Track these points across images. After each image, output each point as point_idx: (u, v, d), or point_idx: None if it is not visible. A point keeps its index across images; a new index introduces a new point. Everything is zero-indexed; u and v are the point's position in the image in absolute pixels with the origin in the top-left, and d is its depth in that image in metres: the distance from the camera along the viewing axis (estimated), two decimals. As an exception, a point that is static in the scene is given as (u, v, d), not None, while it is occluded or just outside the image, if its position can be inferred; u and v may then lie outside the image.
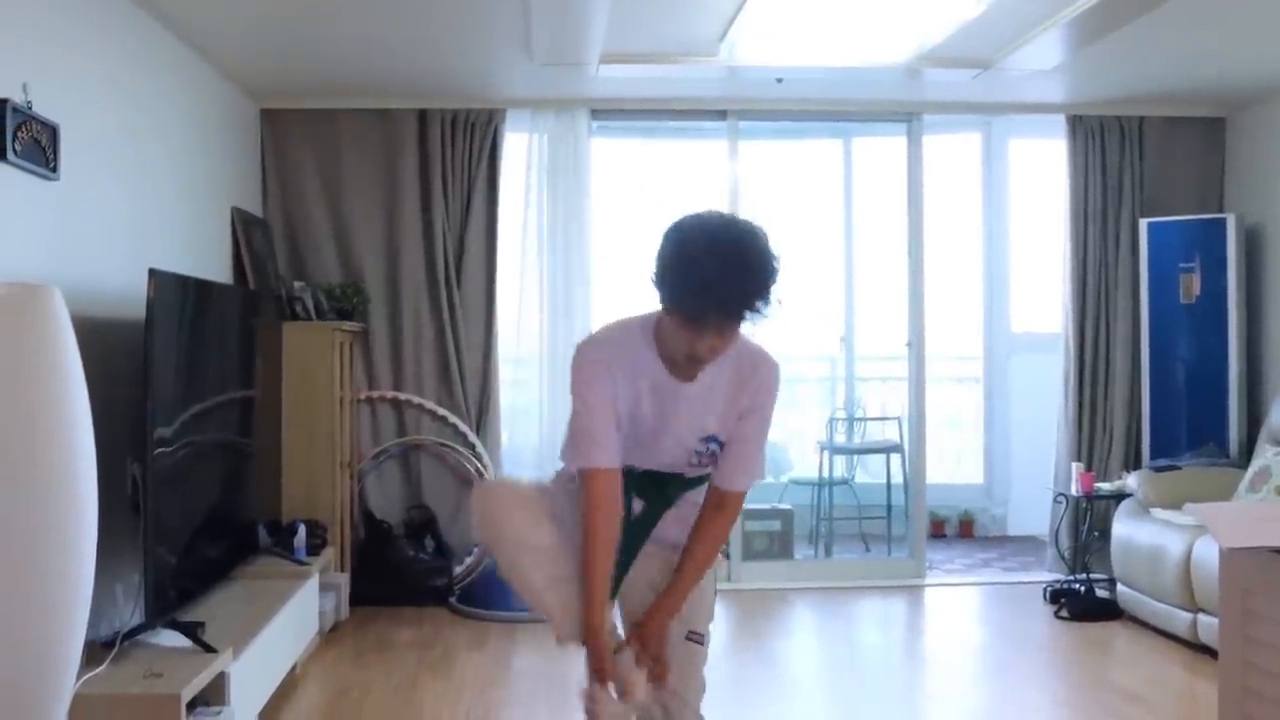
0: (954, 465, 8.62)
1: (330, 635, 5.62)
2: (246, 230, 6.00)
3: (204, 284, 4.62)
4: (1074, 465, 6.47)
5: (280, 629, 4.59)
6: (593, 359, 2.77)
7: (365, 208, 6.53)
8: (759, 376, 2.74)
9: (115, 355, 3.89)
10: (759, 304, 2.54)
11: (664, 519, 2.90)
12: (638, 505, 2.87)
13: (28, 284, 2.87)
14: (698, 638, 2.90)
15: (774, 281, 2.56)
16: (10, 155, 3.45)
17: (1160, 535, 5.59)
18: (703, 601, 2.93)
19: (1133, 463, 6.67)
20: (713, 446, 2.75)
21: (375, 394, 6.54)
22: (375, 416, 6.57)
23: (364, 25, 5.13)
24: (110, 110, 4.36)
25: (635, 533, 2.87)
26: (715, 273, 2.48)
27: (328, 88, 6.24)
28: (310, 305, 6.17)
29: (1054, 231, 6.99)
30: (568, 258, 6.58)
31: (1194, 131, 6.83)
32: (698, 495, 2.90)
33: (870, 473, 7.95)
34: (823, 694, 5.09)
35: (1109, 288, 6.80)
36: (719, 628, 5.75)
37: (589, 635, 2.75)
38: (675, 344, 2.63)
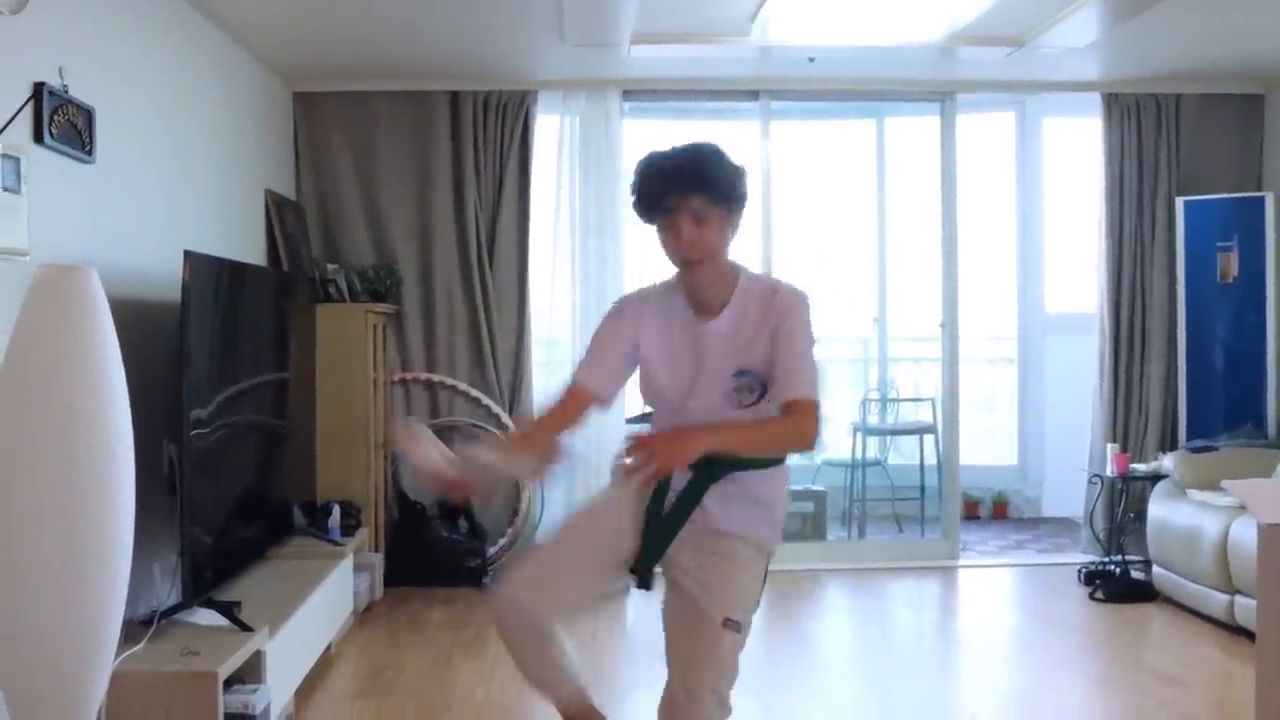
0: (988, 446, 8.57)
1: (364, 615, 5.66)
2: (280, 213, 6.03)
3: (238, 266, 4.65)
4: (1109, 446, 6.43)
5: (315, 608, 4.62)
6: (619, 305, 2.96)
7: (398, 190, 6.54)
8: (778, 299, 2.77)
9: (151, 337, 3.92)
10: (717, 180, 2.70)
11: (710, 498, 2.83)
12: (679, 480, 2.83)
13: (65, 265, 2.89)
14: (734, 625, 2.81)
15: (731, 168, 2.74)
16: (47, 139, 3.48)
17: (1197, 516, 5.55)
18: (741, 585, 2.86)
19: (1169, 444, 6.62)
20: (746, 379, 2.76)
21: (408, 376, 6.56)
22: (409, 398, 6.59)
23: (396, 7, 5.14)
24: (145, 94, 4.38)
25: (678, 507, 2.83)
26: (664, 158, 2.73)
27: (360, 70, 6.25)
28: (344, 287, 6.20)
29: (1089, 211, 6.92)
30: (600, 239, 6.58)
31: (1231, 109, 6.75)
32: (748, 481, 2.84)
33: (903, 454, 7.93)
34: (855, 674, 5.09)
35: (1145, 267, 6.73)
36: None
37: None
38: (670, 259, 2.78)
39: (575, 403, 2.90)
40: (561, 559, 2.95)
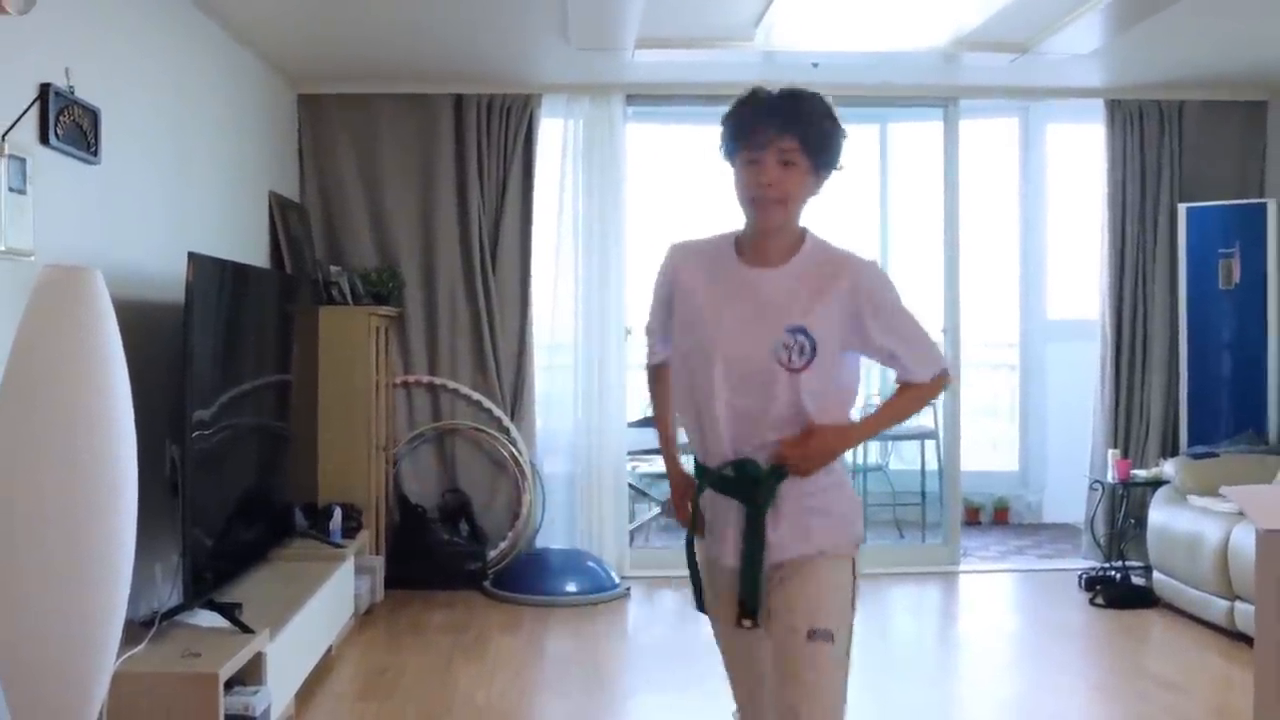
0: (989, 452, 8.58)
1: (365, 617, 5.67)
2: (284, 215, 6.04)
3: (242, 268, 4.66)
4: (1110, 452, 6.43)
5: (316, 611, 4.63)
6: (665, 258, 2.78)
7: (401, 193, 6.55)
8: (855, 270, 2.61)
9: (155, 338, 3.93)
10: (817, 128, 2.56)
11: (770, 528, 2.62)
12: (730, 520, 2.65)
13: (70, 266, 2.90)
14: (824, 635, 2.57)
15: (834, 123, 2.59)
16: (53, 139, 3.49)
17: (1197, 522, 5.55)
18: (823, 595, 2.64)
19: (1170, 450, 6.62)
20: (801, 339, 2.54)
21: (411, 379, 6.57)
22: (410, 401, 6.60)
23: (401, 10, 5.15)
24: (150, 95, 4.39)
25: (748, 545, 2.62)
26: (768, 93, 2.60)
27: (364, 73, 6.27)
28: (346, 290, 6.21)
29: (1091, 217, 6.93)
30: (603, 244, 6.58)
31: (1234, 115, 6.75)
32: (804, 498, 2.63)
33: (904, 459, 7.93)
34: (856, 680, 5.06)
35: (1147, 274, 6.74)
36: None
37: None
38: (742, 198, 2.61)
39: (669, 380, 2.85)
40: (744, 678, 2.82)
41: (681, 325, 2.69)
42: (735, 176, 2.62)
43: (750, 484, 2.60)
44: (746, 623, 2.63)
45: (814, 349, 2.55)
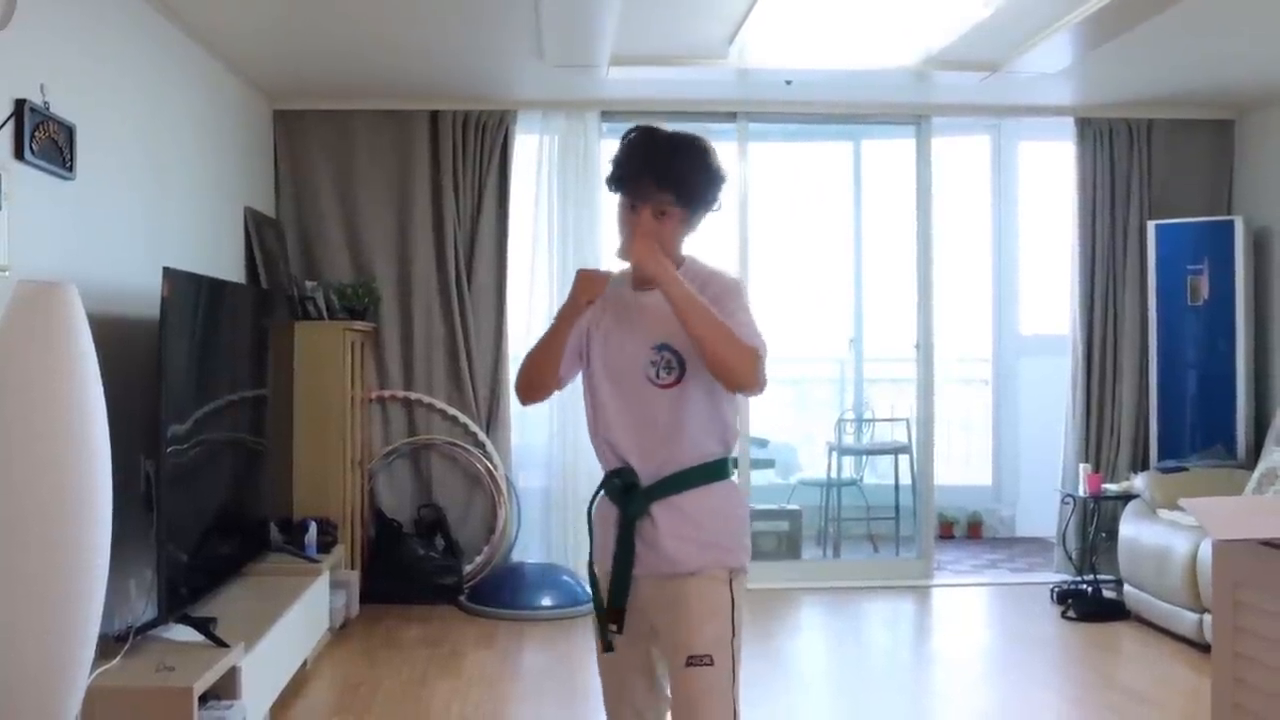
0: (962, 466, 8.64)
1: (340, 632, 5.66)
2: (259, 230, 6.04)
3: (217, 283, 4.66)
4: (1082, 466, 6.49)
5: (291, 625, 4.63)
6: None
7: (377, 208, 6.57)
8: (711, 282, 2.68)
9: (129, 353, 3.93)
10: (693, 183, 2.65)
11: (655, 534, 2.68)
12: (610, 527, 2.75)
13: (45, 281, 2.91)
14: (702, 660, 2.61)
15: (711, 175, 2.69)
16: (28, 155, 3.49)
17: (1167, 536, 5.61)
18: (700, 623, 2.64)
19: (1140, 464, 6.67)
20: (667, 354, 2.67)
21: (386, 393, 6.58)
22: (386, 416, 6.60)
23: (377, 27, 5.17)
24: (126, 111, 4.40)
25: (619, 547, 2.71)
26: (653, 142, 2.68)
27: (341, 89, 6.28)
28: (322, 305, 6.21)
29: (1063, 233, 7.00)
30: (578, 258, 6.60)
31: (1202, 134, 6.84)
32: (689, 508, 2.68)
33: (878, 474, 7.97)
34: (830, 694, 5.12)
35: (1117, 290, 6.81)
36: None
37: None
38: (621, 234, 2.72)
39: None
40: (613, 693, 2.86)
41: (591, 347, 2.86)
42: (618, 211, 2.74)
43: (625, 491, 2.73)
44: (612, 627, 2.72)
45: (682, 364, 2.67)
